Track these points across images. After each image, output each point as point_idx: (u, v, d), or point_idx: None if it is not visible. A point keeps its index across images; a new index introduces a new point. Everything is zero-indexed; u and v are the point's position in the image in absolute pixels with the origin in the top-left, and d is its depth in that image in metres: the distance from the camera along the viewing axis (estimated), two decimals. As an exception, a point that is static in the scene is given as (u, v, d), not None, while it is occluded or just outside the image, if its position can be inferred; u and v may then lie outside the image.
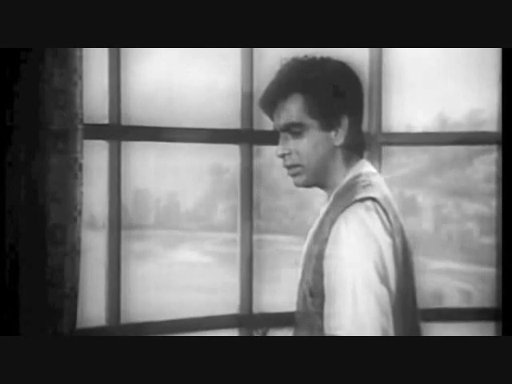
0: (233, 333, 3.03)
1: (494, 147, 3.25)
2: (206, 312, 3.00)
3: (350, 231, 1.64)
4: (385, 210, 1.69)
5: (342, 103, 1.76)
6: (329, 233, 1.68)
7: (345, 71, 1.78)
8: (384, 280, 1.62)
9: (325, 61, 1.77)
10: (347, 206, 1.68)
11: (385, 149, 3.17)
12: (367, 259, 1.62)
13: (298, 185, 1.80)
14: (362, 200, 1.68)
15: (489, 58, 3.17)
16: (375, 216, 1.67)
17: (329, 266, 1.66)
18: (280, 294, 3.09)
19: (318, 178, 1.78)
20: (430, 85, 3.28)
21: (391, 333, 1.61)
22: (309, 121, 1.75)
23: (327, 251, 1.67)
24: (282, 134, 1.77)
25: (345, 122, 1.76)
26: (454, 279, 3.66)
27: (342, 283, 1.62)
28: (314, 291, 1.70)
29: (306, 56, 1.78)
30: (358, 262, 1.62)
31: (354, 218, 1.66)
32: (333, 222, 1.68)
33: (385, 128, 3.18)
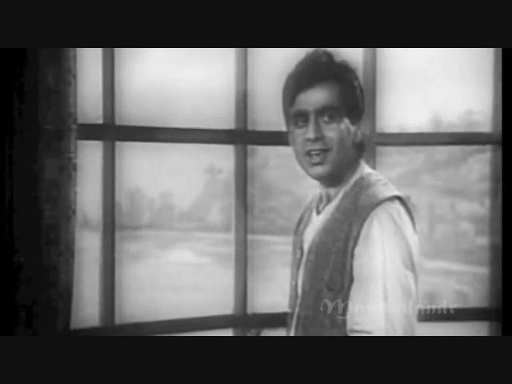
0: (227, 333, 3.03)
1: (489, 147, 3.25)
2: (200, 312, 3.00)
3: (382, 229, 1.66)
4: (409, 209, 1.71)
5: (364, 100, 1.79)
6: (358, 231, 1.67)
7: None
8: (413, 278, 1.64)
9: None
10: (377, 204, 1.68)
11: (379, 149, 3.17)
12: (399, 257, 1.64)
13: (319, 174, 1.76)
14: (391, 199, 1.70)
15: (483, 59, 3.18)
16: (405, 215, 1.70)
17: (360, 263, 1.66)
18: (274, 294, 3.09)
19: (338, 171, 1.76)
20: (423, 85, 3.28)
21: (416, 332, 1.63)
22: (343, 109, 1.74)
23: (358, 249, 1.67)
24: (314, 119, 1.73)
25: (363, 119, 1.78)
26: (449, 279, 3.67)
27: (373, 281, 1.63)
28: (333, 287, 1.70)
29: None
30: (390, 260, 1.63)
31: (386, 217, 1.67)
32: (363, 220, 1.67)
33: (379, 128, 3.18)
